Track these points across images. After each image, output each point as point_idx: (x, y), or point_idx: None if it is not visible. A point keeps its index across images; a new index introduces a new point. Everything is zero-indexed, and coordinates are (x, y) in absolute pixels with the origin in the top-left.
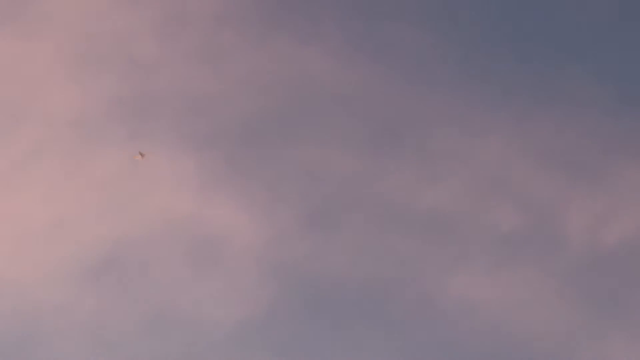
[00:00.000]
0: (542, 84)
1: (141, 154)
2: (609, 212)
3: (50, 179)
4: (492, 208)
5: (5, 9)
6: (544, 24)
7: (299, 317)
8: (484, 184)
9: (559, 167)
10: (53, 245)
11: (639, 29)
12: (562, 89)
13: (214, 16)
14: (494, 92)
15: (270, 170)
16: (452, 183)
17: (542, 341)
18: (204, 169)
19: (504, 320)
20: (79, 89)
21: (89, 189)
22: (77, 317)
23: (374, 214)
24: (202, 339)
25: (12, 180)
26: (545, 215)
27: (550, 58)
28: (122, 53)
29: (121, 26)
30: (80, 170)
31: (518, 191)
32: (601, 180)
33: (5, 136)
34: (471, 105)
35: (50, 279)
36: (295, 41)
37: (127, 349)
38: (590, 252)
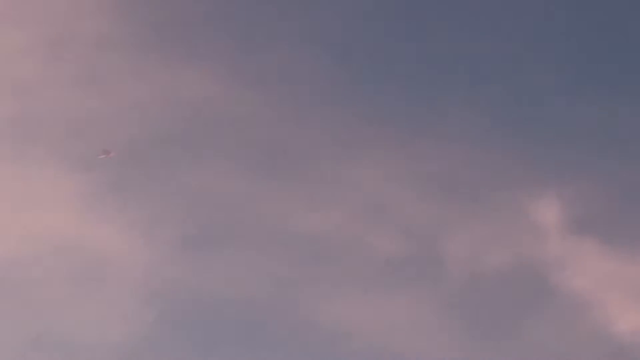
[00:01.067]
0: (423, 112)
1: (106, 152)
2: (487, 240)
3: None
4: (372, 234)
5: None
6: (423, 52)
7: (178, 339)
8: (365, 209)
9: (439, 193)
10: None
11: (511, 62)
12: (442, 116)
13: (98, 39)
14: (379, 119)
15: (152, 192)
16: (333, 208)
17: None
18: (86, 191)
19: (381, 345)
20: None
21: None
22: None
23: (255, 238)
24: None
25: None
26: (425, 242)
27: (430, 87)
28: (3, 74)
29: (2, 47)
30: None
31: (398, 217)
32: (480, 208)
33: None
34: (355, 131)
35: None
36: (179, 64)
37: None
38: (469, 278)
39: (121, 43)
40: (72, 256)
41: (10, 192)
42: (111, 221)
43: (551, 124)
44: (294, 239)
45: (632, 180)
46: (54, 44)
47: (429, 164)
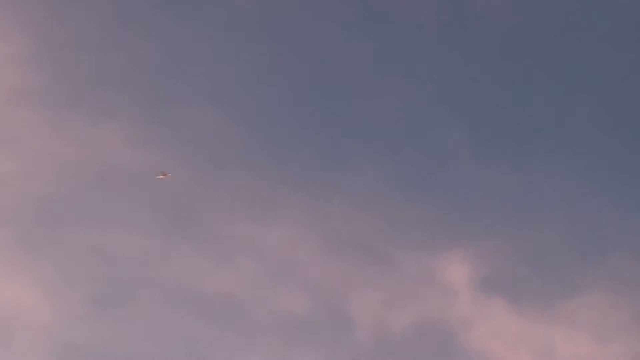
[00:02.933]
0: (333, 174)
1: (163, 174)
2: (395, 300)
3: None
4: (281, 293)
5: None
6: (335, 114)
7: None
8: (273, 269)
9: (348, 254)
10: None
11: (423, 125)
12: (353, 178)
13: (11, 94)
14: (286, 178)
15: (62, 250)
16: (242, 267)
17: None
18: None
19: None
20: None
21: None
22: None
23: (163, 296)
24: None
25: None
26: (333, 302)
27: (341, 149)
28: None
29: None
30: None
31: (307, 277)
32: (388, 268)
33: None
34: (267, 192)
35: None
36: (93, 120)
37: None
38: (376, 338)
39: (35, 97)
40: None
41: None
42: (21, 277)
43: (460, 187)
44: (204, 297)
45: (538, 241)
46: None
47: (338, 225)
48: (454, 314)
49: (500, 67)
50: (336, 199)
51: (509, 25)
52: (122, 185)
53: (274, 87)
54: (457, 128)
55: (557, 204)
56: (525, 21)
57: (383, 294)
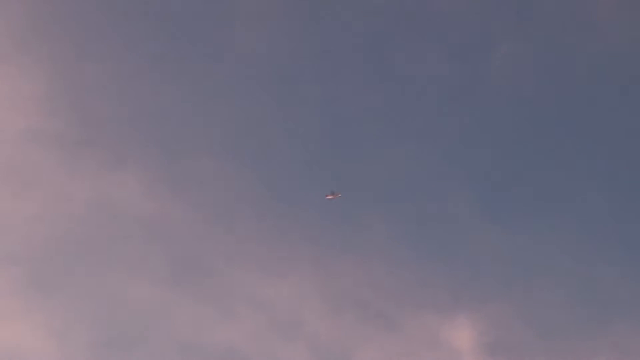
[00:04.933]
0: (340, 230)
1: (334, 193)
2: (397, 358)
3: None
4: (283, 349)
5: None
6: (340, 169)
7: None
8: (278, 324)
9: (352, 312)
10: None
11: (428, 186)
12: (359, 236)
13: (28, 133)
14: (295, 233)
15: (70, 293)
16: (246, 321)
17: None
18: (5, 285)
19: None
20: None
21: None
22: None
23: (168, 345)
24: None
25: None
26: (335, 357)
27: (349, 205)
28: None
29: None
30: None
31: (310, 333)
32: (392, 328)
33: None
34: (271, 247)
35: None
36: (104, 165)
37: None
38: None
39: (49, 140)
40: None
41: None
42: (27, 318)
43: (467, 248)
44: (208, 349)
45: (544, 307)
46: None
47: (343, 282)
48: None
49: (508, 128)
50: (343, 256)
51: (518, 87)
52: (133, 231)
53: (287, 143)
54: (465, 189)
55: (564, 269)
56: (533, 83)
57: (386, 354)
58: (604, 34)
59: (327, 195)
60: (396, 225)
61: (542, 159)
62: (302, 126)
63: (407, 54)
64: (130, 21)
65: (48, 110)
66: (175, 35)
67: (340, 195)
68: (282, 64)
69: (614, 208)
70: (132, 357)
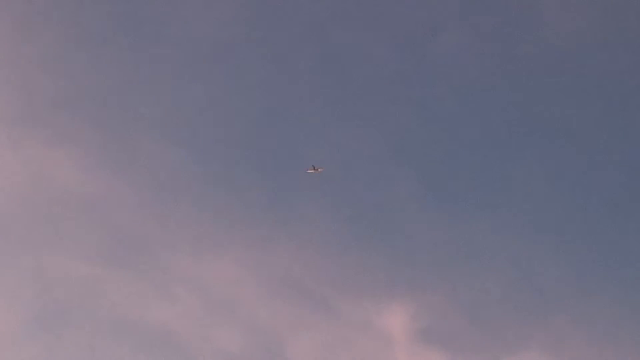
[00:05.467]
0: (280, 213)
1: (315, 168)
2: (332, 345)
3: None
4: (218, 329)
5: None
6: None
7: None
8: (213, 305)
9: (288, 296)
10: None
11: (366, 175)
12: (296, 221)
13: None
14: (233, 218)
15: (7, 271)
16: (182, 301)
17: None
18: None
19: None
20: None
21: None
22: None
23: (101, 324)
24: None
25: None
26: (270, 342)
27: (284, 191)
28: None
29: None
30: None
31: (245, 315)
32: (328, 313)
33: None
34: (209, 229)
35: None
36: (46, 143)
37: None
38: None
39: None
40: None
41: None
42: None
43: (405, 237)
44: (142, 328)
45: (480, 296)
46: None
47: (280, 266)
48: None
49: (449, 117)
50: (281, 240)
51: (460, 76)
52: (70, 210)
53: (228, 125)
54: (406, 180)
55: (501, 260)
56: (475, 75)
57: (321, 339)
58: (548, 24)
59: (307, 169)
60: (334, 211)
61: (482, 149)
62: (246, 109)
63: (350, 38)
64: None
65: None
66: (118, 15)
67: (322, 170)
68: (216, 43)
69: (552, 199)
70: (66, 335)
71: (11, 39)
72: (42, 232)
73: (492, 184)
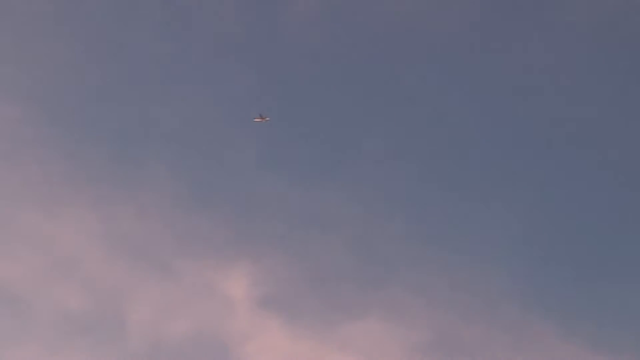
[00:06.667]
0: (125, 174)
1: (262, 117)
2: (172, 306)
3: None
4: (59, 286)
5: None
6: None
7: None
8: (54, 262)
9: (130, 255)
10: None
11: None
12: (143, 181)
13: None
14: (78, 174)
15: None
16: (23, 257)
17: None
18: None
19: None
20: None
21: None
22: None
23: None
24: None
25: None
26: (110, 301)
27: (138, 151)
28: None
29: None
30: None
31: (87, 274)
32: (168, 274)
33: None
34: (54, 183)
35: None
36: None
37: None
38: (150, 342)
39: None
40: None
41: None
42: None
43: (248, 202)
44: None
45: (321, 264)
46: None
47: (124, 226)
48: (231, 327)
49: (301, 82)
50: (126, 202)
51: (314, 44)
52: None
53: (77, 85)
54: (252, 139)
55: (345, 227)
56: (329, 40)
57: (161, 301)
58: None
59: (255, 119)
60: (178, 173)
61: (333, 113)
62: (95, 69)
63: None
64: None
65: None
66: None
67: (268, 119)
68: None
69: (399, 165)
70: None
71: None
72: None
73: (341, 148)
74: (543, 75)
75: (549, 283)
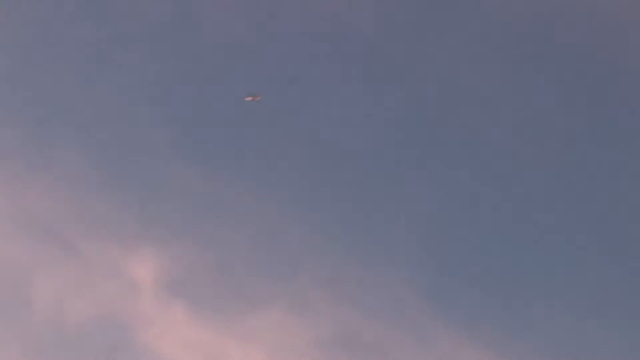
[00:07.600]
0: (36, 151)
1: (254, 96)
2: (75, 288)
3: None
4: None
5: None
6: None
7: None
8: None
9: (36, 234)
10: None
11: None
12: (54, 158)
13: None
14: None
15: None
16: None
17: None
18: None
19: None
20: None
21: None
22: None
23: None
24: None
25: None
26: (11, 281)
27: (49, 129)
28: None
29: None
30: None
31: None
32: (73, 256)
33: None
34: None
35: None
36: None
37: None
38: (51, 323)
39: None
40: None
41: None
42: None
43: (163, 185)
44: None
45: (227, 251)
46: None
47: (29, 205)
48: (135, 311)
49: (215, 67)
50: (31, 179)
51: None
52: None
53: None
54: (167, 124)
55: (255, 219)
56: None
57: (65, 282)
58: None
59: (246, 97)
60: (92, 153)
61: (255, 107)
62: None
63: None
64: None
65: None
66: None
67: (260, 98)
68: None
69: (313, 162)
70: None
71: None
72: None
73: (259, 148)
74: None
75: (456, 286)
